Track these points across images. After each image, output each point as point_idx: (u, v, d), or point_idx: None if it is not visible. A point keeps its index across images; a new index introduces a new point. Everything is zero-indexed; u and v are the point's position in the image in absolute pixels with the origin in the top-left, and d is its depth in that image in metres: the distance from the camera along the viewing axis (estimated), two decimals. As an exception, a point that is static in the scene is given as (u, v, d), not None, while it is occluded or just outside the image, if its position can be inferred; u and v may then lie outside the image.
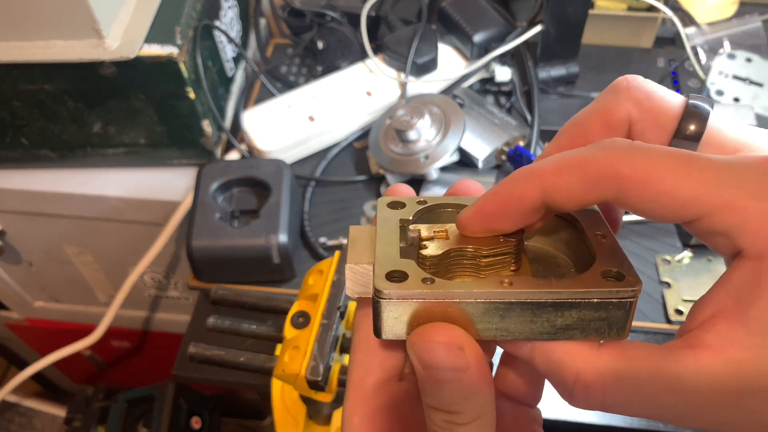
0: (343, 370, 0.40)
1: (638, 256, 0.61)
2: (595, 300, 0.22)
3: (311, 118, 0.69)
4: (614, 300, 0.22)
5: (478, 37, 0.69)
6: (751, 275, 0.19)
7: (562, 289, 0.22)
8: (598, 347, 0.21)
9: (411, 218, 0.25)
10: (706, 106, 0.23)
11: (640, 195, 0.20)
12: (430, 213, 0.26)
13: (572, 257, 0.26)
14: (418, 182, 0.66)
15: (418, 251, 0.24)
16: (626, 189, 0.20)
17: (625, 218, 0.62)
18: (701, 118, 0.22)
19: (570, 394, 0.21)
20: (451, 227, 0.25)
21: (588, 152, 0.21)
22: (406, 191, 0.27)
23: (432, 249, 0.24)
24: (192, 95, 0.62)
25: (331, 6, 0.76)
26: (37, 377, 1.28)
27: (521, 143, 0.66)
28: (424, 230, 0.25)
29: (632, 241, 0.62)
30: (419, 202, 0.26)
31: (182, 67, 0.60)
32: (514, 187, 0.22)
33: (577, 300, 0.22)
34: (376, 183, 0.68)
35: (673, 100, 0.23)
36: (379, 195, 0.67)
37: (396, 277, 0.22)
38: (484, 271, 0.24)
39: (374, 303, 0.22)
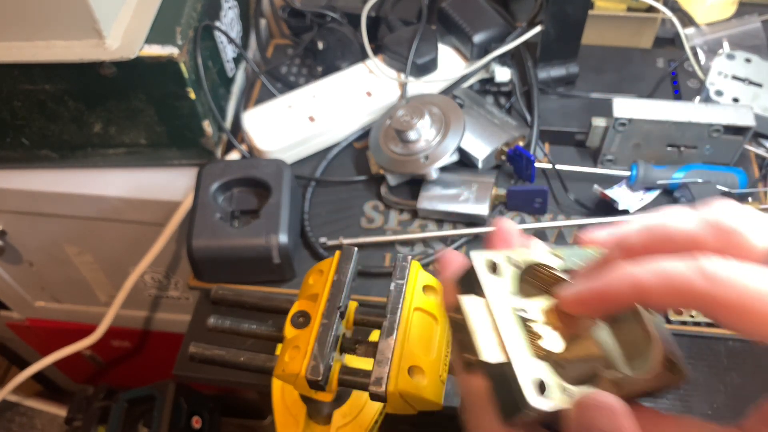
0: (343, 370, 0.40)
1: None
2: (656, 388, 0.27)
3: (311, 119, 0.70)
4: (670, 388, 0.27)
5: (477, 38, 0.69)
6: None
7: (645, 381, 0.26)
8: (659, 419, 0.25)
9: (513, 288, 0.27)
10: None
11: (736, 320, 0.23)
12: (526, 273, 0.28)
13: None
14: (418, 182, 0.66)
15: (533, 337, 0.27)
16: (724, 313, 0.23)
17: (622, 217, 0.62)
18: None
19: None
20: (550, 307, 0.28)
21: (689, 273, 0.23)
22: (507, 238, 0.30)
23: (559, 347, 0.27)
24: (192, 95, 0.62)
25: (331, 6, 0.76)
26: (38, 377, 1.28)
27: (521, 143, 0.66)
28: (540, 323, 0.27)
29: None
30: (509, 259, 0.28)
31: (183, 68, 0.60)
32: (616, 289, 0.25)
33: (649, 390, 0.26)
34: (376, 183, 0.69)
35: (760, 242, 0.25)
36: (379, 195, 0.67)
37: (542, 389, 0.24)
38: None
39: (520, 410, 0.24)
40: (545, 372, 0.25)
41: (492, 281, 0.27)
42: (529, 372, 0.25)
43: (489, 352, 0.25)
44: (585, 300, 0.26)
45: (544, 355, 0.26)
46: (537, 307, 0.27)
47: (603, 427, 0.23)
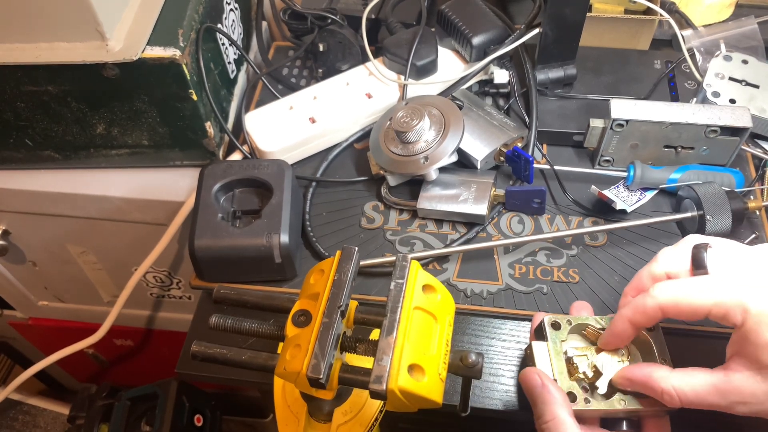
0: (344, 368, 0.40)
1: (642, 259, 0.62)
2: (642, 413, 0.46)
3: (312, 120, 0.70)
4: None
5: (476, 40, 0.70)
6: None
7: (640, 407, 0.45)
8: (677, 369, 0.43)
9: (566, 338, 0.48)
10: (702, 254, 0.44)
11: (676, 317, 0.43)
12: (575, 327, 0.48)
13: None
14: (417, 183, 0.67)
15: (572, 367, 0.46)
16: (669, 315, 0.43)
17: (630, 222, 0.63)
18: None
19: (662, 399, 0.43)
20: (588, 349, 0.48)
21: (643, 300, 0.44)
22: (577, 309, 0.51)
23: (584, 367, 0.46)
24: (194, 97, 0.63)
25: (331, 9, 0.77)
26: (41, 375, 1.29)
27: (519, 144, 0.67)
28: (579, 360, 0.47)
29: (638, 245, 0.63)
30: (567, 321, 0.48)
31: (185, 69, 0.60)
32: (617, 327, 0.45)
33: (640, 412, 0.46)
34: (376, 183, 0.69)
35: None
36: (379, 195, 0.68)
37: (571, 398, 0.45)
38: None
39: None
40: (575, 387, 0.45)
41: (552, 333, 0.47)
42: (564, 386, 0.45)
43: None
44: (609, 342, 0.47)
45: (578, 378, 0.46)
46: (581, 348, 0.47)
47: (525, 383, 0.45)
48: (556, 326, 0.47)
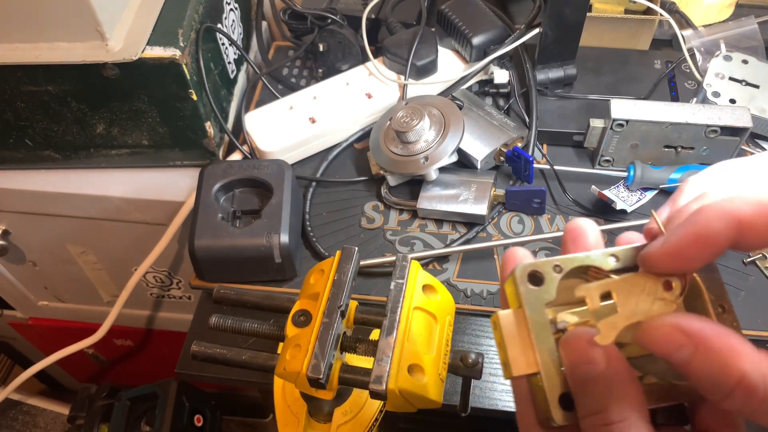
0: (344, 368, 0.40)
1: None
2: None
3: (312, 120, 0.70)
4: None
5: (476, 40, 0.70)
6: None
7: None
8: (762, 349, 0.22)
9: (554, 296, 0.27)
10: None
11: None
12: (573, 274, 0.28)
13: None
14: (417, 183, 0.67)
15: None
16: None
17: (630, 222, 0.63)
18: None
19: (728, 395, 0.21)
20: (594, 309, 0.26)
21: None
22: (576, 238, 0.28)
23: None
24: (194, 97, 0.63)
25: (331, 9, 0.77)
26: (41, 375, 1.29)
27: (519, 144, 0.67)
28: (572, 321, 0.27)
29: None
30: (555, 268, 0.27)
31: (185, 69, 0.60)
32: (711, 228, 0.22)
33: None
34: (376, 183, 0.69)
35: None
36: (379, 195, 0.68)
37: (565, 403, 0.26)
38: None
39: (550, 419, 0.26)
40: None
41: (530, 292, 0.27)
42: (555, 386, 0.26)
43: (517, 366, 0.26)
44: (678, 250, 0.23)
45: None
46: (580, 312, 0.27)
47: (575, 356, 0.25)
48: (536, 279, 0.27)
